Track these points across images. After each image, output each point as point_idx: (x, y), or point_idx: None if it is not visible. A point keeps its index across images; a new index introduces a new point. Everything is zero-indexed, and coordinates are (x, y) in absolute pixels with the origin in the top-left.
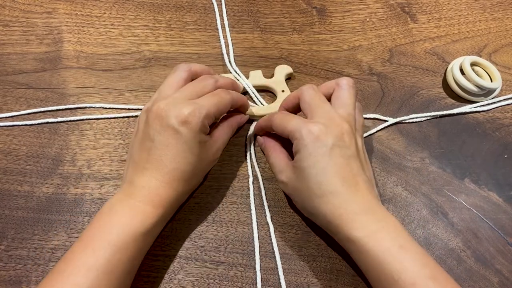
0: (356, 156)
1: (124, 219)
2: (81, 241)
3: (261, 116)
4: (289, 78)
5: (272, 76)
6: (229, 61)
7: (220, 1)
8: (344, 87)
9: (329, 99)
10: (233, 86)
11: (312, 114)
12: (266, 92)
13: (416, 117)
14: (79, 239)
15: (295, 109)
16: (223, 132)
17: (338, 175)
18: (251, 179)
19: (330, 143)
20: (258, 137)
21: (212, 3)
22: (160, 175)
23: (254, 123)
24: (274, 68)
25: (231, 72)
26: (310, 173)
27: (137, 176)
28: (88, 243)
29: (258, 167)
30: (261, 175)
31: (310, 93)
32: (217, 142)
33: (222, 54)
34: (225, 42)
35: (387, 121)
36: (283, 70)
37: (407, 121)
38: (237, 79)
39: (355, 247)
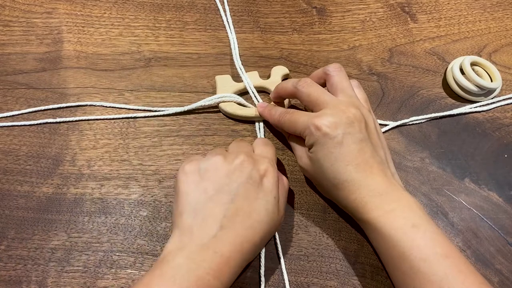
0: (367, 139)
1: None
2: None
3: (259, 117)
4: (285, 79)
5: (268, 77)
6: (236, 59)
7: (223, 1)
8: (334, 73)
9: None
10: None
11: (316, 107)
12: (263, 93)
13: (417, 120)
14: None
15: (284, 99)
16: (281, 186)
17: (352, 163)
18: None
19: (340, 133)
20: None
21: (216, 2)
22: (234, 237)
23: (256, 124)
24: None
25: (236, 69)
26: (324, 164)
27: (208, 235)
28: None
29: None
30: None
31: (307, 90)
32: (280, 198)
33: (224, 54)
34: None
35: (387, 125)
36: (279, 71)
37: (408, 123)
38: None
39: (369, 227)
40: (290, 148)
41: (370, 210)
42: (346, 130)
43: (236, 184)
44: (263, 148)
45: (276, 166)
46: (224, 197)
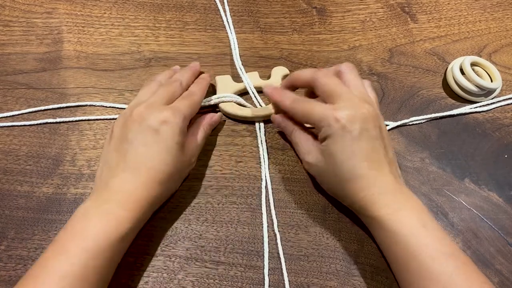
0: (379, 137)
1: (99, 225)
2: (55, 246)
3: (260, 117)
4: None
5: (269, 77)
6: (236, 59)
7: (223, 1)
8: (347, 71)
9: None
10: (194, 75)
11: (330, 98)
12: (263, 93)
13: (417, 120)
14: (53, 243)
15: (295, 88)
16: (197, 136)
17: (366, 159)
18: (263, 183)
19: (358, 128)
20: (275, 116)
21: (216, 2)
22: (136, 177)
23: (257, 124)
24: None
25: (236, 70)
26: (339, 157)
27: (113, 178)
28: (62, 249)
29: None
30: (270, 178)
31: (326, 80)
32: (191, 146)
33: (224, 54)
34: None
35: (387, 125)
36: (279, 71)
37: (408, 123)
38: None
39: (376, 225)
40: (291, 148)
41: (379, 208)
42: (362, 125)
43: (134, 133)
44: (181, 101)
45: (184, 117)
46: (125, 146)
